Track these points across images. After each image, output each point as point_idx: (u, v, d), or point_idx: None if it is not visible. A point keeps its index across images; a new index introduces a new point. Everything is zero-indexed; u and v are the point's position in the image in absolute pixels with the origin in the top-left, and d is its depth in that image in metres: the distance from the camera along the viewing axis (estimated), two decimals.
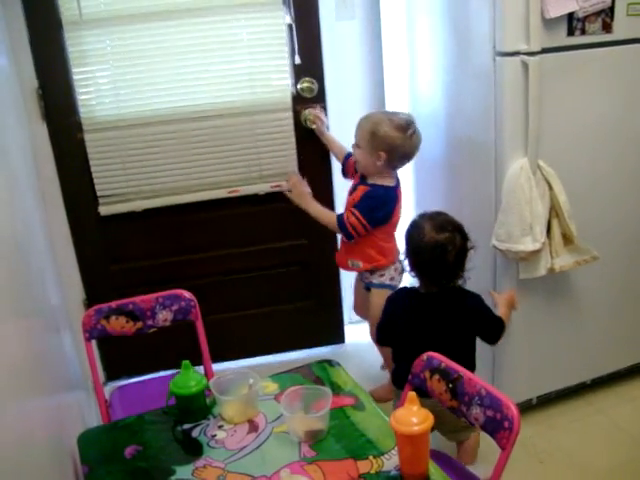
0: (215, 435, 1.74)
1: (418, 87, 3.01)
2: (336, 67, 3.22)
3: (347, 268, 2.92)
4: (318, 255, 3.36)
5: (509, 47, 2.34)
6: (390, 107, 3.27)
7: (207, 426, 1.78)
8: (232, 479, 1.58)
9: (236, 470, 1.60)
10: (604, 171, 2.64)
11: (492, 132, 2.48)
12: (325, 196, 3.13)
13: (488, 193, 2.54)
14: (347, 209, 2.74)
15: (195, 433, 1.76)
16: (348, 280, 3.38)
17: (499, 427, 1.62)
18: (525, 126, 2.39)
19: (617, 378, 2.88)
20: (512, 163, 2.43)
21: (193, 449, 1.70)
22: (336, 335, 3.57)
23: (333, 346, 3.56)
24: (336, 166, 3.17)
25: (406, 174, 3.08)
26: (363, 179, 2.75)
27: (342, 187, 3.12)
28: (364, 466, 1.59)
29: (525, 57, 2.32)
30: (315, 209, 2.79)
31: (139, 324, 2.34)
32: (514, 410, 1.60)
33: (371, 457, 1.61)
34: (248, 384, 1.81)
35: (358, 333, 3.53)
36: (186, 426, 1.79)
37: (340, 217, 2.72)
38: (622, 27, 2.46)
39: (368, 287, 2.88)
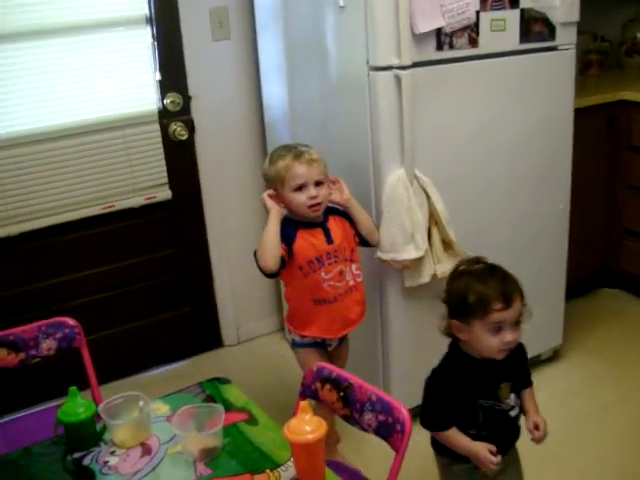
0: (107, 461, 1.69)
1: (295, 102, 3.04)
2: (213, 83, 3.30)
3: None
4: (193, 262, 3.48)
5: (382, 62, 2.41)
6: (267, 122, 3.31)
7: (99, 453, 1.72)
8: None
9: None
10: (478, 178, 2.75)
11: (368, 145, 2.54)
12: (195, 204, 3.37)
13: (368, 205, 2.60)
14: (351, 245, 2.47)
15: (86, 461, 1.70)
16: (221, 285, 3.55)
17: (392, 430, 1.65)
18: (400, 138, 2.47)
19: None
20: (390, 174, 2.50)
21: (85, 478, 1.64)
22: (215, 339, 3.68)
23: (214, 351, 3.66)
24: (204, 174, 3.36)
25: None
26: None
27: (211, 195, 3.30)
28: None
29: (397, 71, 2.40)
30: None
31: (22, 355, 2.24)
32: (405, 413, 1.64)
33: (268, 470, 1.61)
34: (138, 407, 1.78)
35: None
36: (77, 455, 1.72)
37: None
38: (487, 42, 2.59)
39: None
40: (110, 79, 3.03)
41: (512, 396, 1.92)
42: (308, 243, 2.34)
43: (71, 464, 1.70)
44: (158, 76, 3.13)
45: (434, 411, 1.93)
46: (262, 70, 3.25)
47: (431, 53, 2.49)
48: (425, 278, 2.59)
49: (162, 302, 3.46)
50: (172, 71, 3.16)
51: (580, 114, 3.06)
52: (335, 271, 2.37)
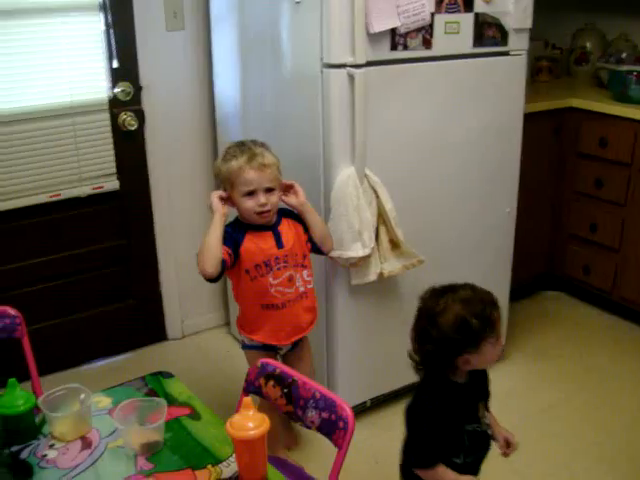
0: (46, 455, 1.66)
1: (248, 96, 3.03)
2: (165, 74, 3.28)
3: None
4: (139, 254, 3.45)
5: (336, 59, 2.41)
6: (219, 115, 3.29)
7: (37, 446, 1.70)
8: None
9: None
10: (427, 179, 2.77)
11: (320, 142, 2.54)
12: (142, 196, 3.37)
13: (316, 202, 2.59)
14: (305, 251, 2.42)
15: (24, 454, 1.67)
16: (167, 278, 3.54)
17: (334, 427, 1.66)
18: (352, 136, 2.48)
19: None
20: (340, 172, 2.51)
21: (22, 472, 1.61)
22: (159, 332, 3.65)
23: (158, 344, 3.64)
24: (153, 165, 3.35)
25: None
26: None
27: (159, 186, 3.33)
28: (203, 475, 1.58)
29: (351, 69, 2.40)
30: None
31: None
32: (348, 410, 1.65)
33: (209, 466, 1.60)
34: (79, 400, 1.75)
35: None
36: (14, 448, 1.69)
37: None
38: (440, 44, 2.62)
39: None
40: (61, 65, 2.98)
41: (487, 414, 1.91)
42: (256, 246, 2.29)
43: (8, 457, 1.67)
44: (110, 64, 3.08)
45: (425, 446, 1.81)
46: (215, 63, 3.22)
47: (385, 53, 2.50)
48: (371, 276, 2.61)
49: (107, 293, 3.42)
50: (124, 60, 3.12)
51: (529, 119, 3.10)
52: (284, 276, 2.32)
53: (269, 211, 2.26)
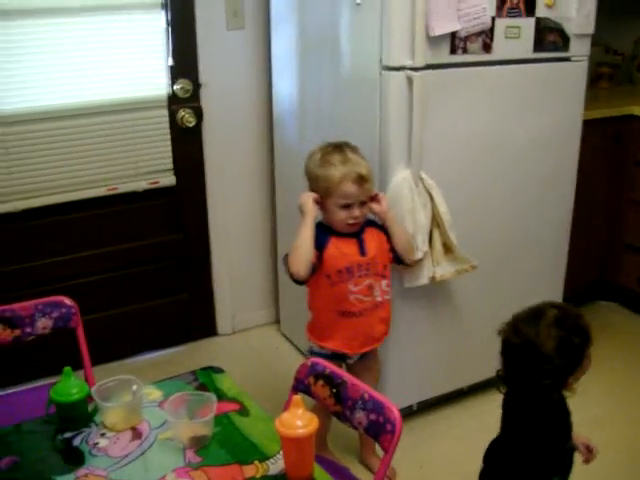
0: (97, 443, 1.69)
1: (305, 96, 3.04)
2: (224, 72, 3.31)
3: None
4: (192, 249, 3.48)
5: (395, 62, 2.41)
6: (276, 114, 3.31)
7: (89, 434, 1.73)
8: None
9: (119, 478, 1.57)
10: (483, 183, 2.75)
11: (376, 144, 2.54)
12: (198, 192, 3.39)
13: None
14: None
15: (76, 442, 1.70)
16: (220, 274, 3.56)
17: (382, 430, 1.66)
18: (408, 139, 2.47)
19: (492, 384, 2.98)
20: (395, 174, 2.50)
21: (74, 458, 1.64)
22: (210, 327, 3.68)
23: (208, 339, 3.67)
24: (209, 162, 3.37)
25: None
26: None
27: (215, 183, 3.35)
28: (249, 470, 1.59)
29: (410, 72, 2.40)
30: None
31: (17, 332, 2.24)
32: (396, 413, 1.64)
33: (256, 462, 1.61)
34: (131, 391, 1.78)
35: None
36: (67, 435, 1.73)
37: None
38: (500, 48, 2.60)
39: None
40: (122, 62, 3.03)
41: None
42: (339, 252, 2.27)
43: (61, 443, 1.71)
44: (170, 62, 3.12)
45: (539, 469, 1.79)
46: (274, 62, 3.24)
47: (444, 56, 2.49)
48: (424, 280, 2.60)
49: (160, 287, 3.46)
50: (184, 58, 3.16)
51: (588, 126, 3.06)
52: (364, 284, 2.30)
53: (360, 222, 2.28)
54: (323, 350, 2.40)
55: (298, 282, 2.26)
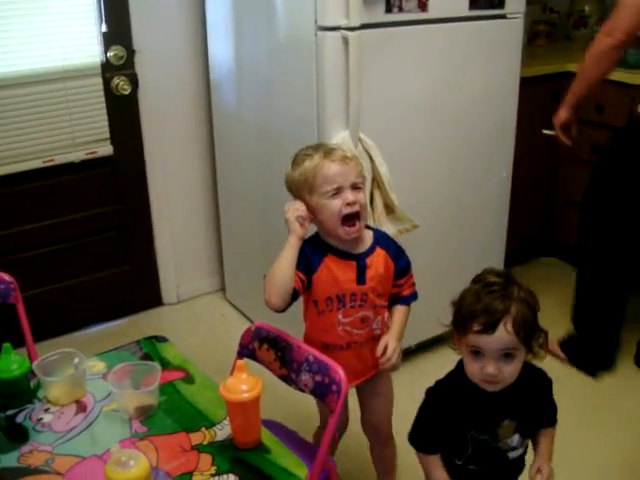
0: (41, 419, 1.68)
1: (242, 59, 3.00)
2: (158, 38, 3.25)
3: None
4: (133, 220, 3.45)
5: (330, 22, 2.39)
6: (213, 79, 3.26)
7: (32, 410, 1.71)
8: (60, 461, 1.53)
9: (65, 452, 1.56)
10: (422, 143, 2.76)
11: (314, 105, 2.52)
12: (136, 160, 3.35)
13: None
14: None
15: (19, 418, 1.68)
16: (162, 243, 3.54)
17: (328, 391, 1.67)
18: (346, 100, 2.46)
19: (440, 342, 3.03)
20: (334, 136, 2.49)
21: (18, 435, 1.63)
22: (155, 298, 3.66)
23: (153, 309, 3.64)
24: (147, 130, 3.32)
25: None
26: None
27: (153, 151, 3.31)
28: (197, 438, 1.59)
29: (345, 32, 2.38)
30: None
31: None
32: (341, 373, 1.65)
33: (203, 429, 1.62)
34: (73, 364, 1.76)
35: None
36: (10, 412, 1.71)
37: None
38: (436, 6, 2.60)
39: None
40: (52, 29, 2.94)
41: (516, 437, 1.69)
42: (332, 277, 1.89)
43: (3, 421, 1.69)
44: (102, 28, 3.04)
45: (422, 430, 1.73)
46: (209, 25, 3.19)
47: (380, 15, 2.47)
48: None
49: (102, 259, 3.41)
50: (116, 23, 3.08)
51: (526, 83, 3.08)
52: (356, 317, 1.93)
53: (358, 214, 1.85)
54: None
55: (276, 310, 1.85)
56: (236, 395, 1.49)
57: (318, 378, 1.70)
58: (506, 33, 2.86)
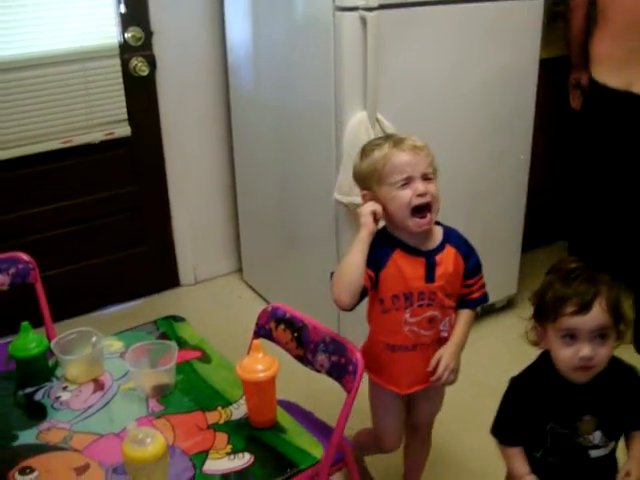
0: (59, 397, 1.69)
1: (260, 40, 3.00)
2: (176, 19, 3.23)
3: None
4: (151, 201, 3.46)
5: (348, 2, 2.38)
6: (230, 60, 3.26)
7: (51, 388, 1.73)
8: (78, 439, 1.55)
9: (82, 430, 1.58)
10: (440, 124, 2.74)
11: (332, 86, 2.52)
12: (154, 142, 3.35)
13: (329, 147, 2.59)
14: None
15: (38, 396, 1.70)
16: (179, 224, 3.54)
17: (344, 371, 1.67)
18: (364, 80, 2.45)
19: None
20: (352, 116, 2.49)
21: (36, 412, 1.65)
22: (172, 279, 3.67)
23: (171, 290, 3.65)
24: (164, 111, 3.32)
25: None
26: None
27: (171, 133, 3.28)
28: (213, 417, 1.60)
29: (363, 12, 2.36)
30: None
31: None
32: (358, 355, 1.66)
33: (219, 408, 1.63)
34: (91, 343, 1.77)
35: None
36: (28, 390, 1.73)
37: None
38: None
39: None
40: (70, 10, 2.94)
41: (597, 434, 1.63)
42: (399, 273, 1.80)
43: (22, 399, 1.71)
44: (120, 9, 3.04)
45: (505, 421, 1.69)
46: (227, 7, 3.17)
47: None
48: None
49: (119, 240, 3.43)
50: (134, 4, 3.08)
51: (545, 65, 3.05)
52: (424, 316, 1.84)
53: (429, 205, 1.76)
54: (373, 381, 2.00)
55: (344, 309, 1.79)
56: (252, 375, 1.50)
57: (334, 358, 1.70)
58: (526, 14, 2.83)
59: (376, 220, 1.75)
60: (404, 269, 1.79)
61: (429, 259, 1.80)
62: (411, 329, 1.84)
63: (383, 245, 1.80)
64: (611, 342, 1.54)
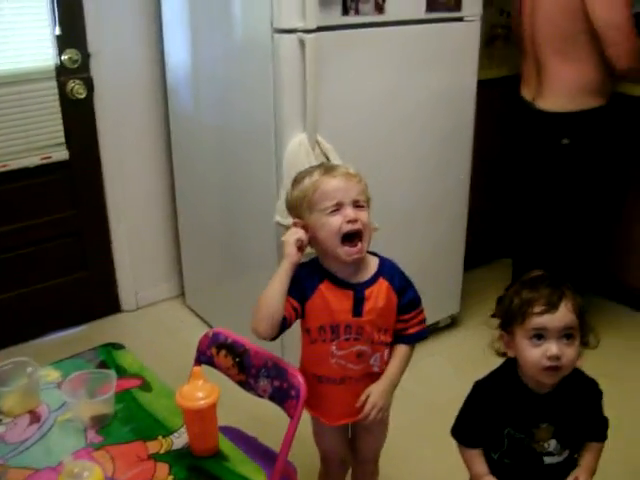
0: None
1: (199, 61, 2.98)
2: (113, 40, 3.21)
3: None
4: (90, 225, 3.41)
5: (286, 24, 2.38)
6: (170, 81, 3.24)
7: None
8: (14, 474, 1.49)
9: (18, 464, 1.52)
10: (380, 145, 2.77)
11: (271, 108, 2.51)
12: (93, 165, 3.31)
13: (269, 169, 2.58)
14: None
15: None
16: (120, 249, 3.49)
17: (286, 396, 1.66)
18: (303, 102, 2.45)
19: None
20: (292, 139, 2.49)
21: None
22: (113, 304, 3.61)
23: (112, 316, 3.60)
24: (103, 134, 3.27)
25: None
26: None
27: (110, 156, 3.25)
28: (154, 446, 1.56)
29: (302, 34, 2.37)
30: None
31: None
32: (300, 379, 1.65)
33: (160, 437, 1.59)
34: (27, 373, 1.73)
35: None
36: None
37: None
38: (393, 9, 2.60)
39: None
40: (5, 31, 2.89)
41: (552, 442, 1.67)
42: (325, 305, 1.75)
43: None
44: (56, 31, 3.00)
45: (465, 423, 1.74)
46: (165, 28, 3.15)
47: (336, 18, 2.47)
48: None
49: (59, 265, 3.36)
50: (70, 26, 3.04)
51: (483, 86, 3.10)
52: (351, 350, 1.78)
53: (360, 233, 1.70)
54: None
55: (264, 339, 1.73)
56: (192, 402, 1.48)
57: (277, 383, 1.69)
58: (463, 36, 2.88)
59: (301, 249, 1.71)
60: (330, 301, 1.75)
61: (358, 293, 1.75)
62: (338, 362, 1.79)
63: (311, 276, 1.76)
64: (577, 344, 1.59)
